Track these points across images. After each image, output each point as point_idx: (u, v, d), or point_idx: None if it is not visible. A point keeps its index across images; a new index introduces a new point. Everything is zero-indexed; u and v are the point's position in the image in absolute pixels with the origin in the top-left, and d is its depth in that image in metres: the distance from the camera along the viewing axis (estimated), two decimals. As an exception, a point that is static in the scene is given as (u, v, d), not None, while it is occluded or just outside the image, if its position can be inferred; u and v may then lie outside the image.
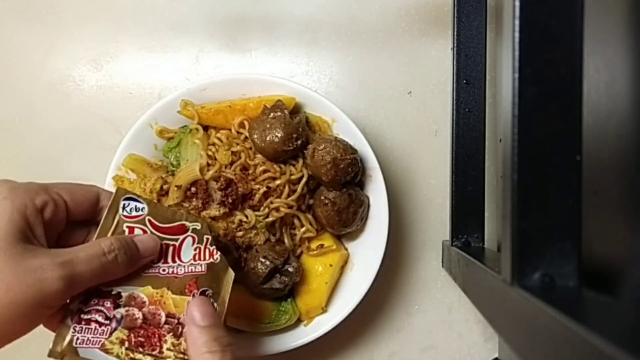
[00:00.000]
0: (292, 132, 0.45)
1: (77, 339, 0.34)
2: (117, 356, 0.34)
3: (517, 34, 0.23)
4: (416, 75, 0.55)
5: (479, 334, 0.54)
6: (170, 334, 0.35)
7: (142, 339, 0.35)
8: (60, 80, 0.55)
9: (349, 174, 0.45)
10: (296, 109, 0.48)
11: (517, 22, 0.23)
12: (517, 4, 0.23)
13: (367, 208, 0.48)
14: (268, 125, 0.45)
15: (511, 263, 0.24)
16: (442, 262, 0.53)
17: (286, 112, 0.45)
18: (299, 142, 0.45)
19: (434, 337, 0.54)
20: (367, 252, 0.48)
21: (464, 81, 0.47)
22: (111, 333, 0.35)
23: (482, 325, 0.54)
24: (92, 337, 0.34)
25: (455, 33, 0.48)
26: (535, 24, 0.23)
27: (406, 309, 0.54)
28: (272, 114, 0.45)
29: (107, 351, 0.34)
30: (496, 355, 0.52)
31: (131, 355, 0.34)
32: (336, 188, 0.46)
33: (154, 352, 0.35)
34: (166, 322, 0.36)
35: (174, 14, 0.55)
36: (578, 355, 0.18)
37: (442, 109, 0.54)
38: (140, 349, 0.35)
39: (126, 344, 0.35)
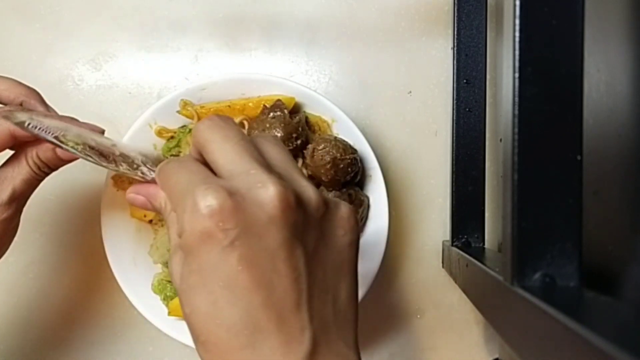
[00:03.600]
0: (292, 131, 0.44)
1: (29, 124, 0.34)
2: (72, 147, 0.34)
3: (517, 34, 0.23)
4: (416, 75, 0.55)
5: (480, 334, 0.54)
6: (125, 164, 0.35)
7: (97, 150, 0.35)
8: (59, 80, 0.55)
9: (348, 174, 0.45)
10: (296, 109, 0.48)
11: (517, 21, 0.23)
12: (517, 3, 0.23)
13: (367, 208, 0.48)
14: (267, 125, 0.45)
15: (511, 263, 0.24)
16: (443, 263, 0.53)
17: (286, 111, 0.45)
18: (299, 141, 0.45)
19: (434, 337, 0.54)
20: (367, 252, 0.48)
21: (464, 81, 0.47)
22: (63, 134, 0.35)
23: (482, 325, 0.54)
24: (44, 128, 0.35)
25: (455, 32, 0.48)
26: (535, 23, 0.23)
27: (406, 309, 0.54)
28: (271, 114, 0.45)
29: (60, 141, 0.34)
30: (496, 356, 0.52)
31: (87, 152, 0.34)
32: (336, 188, 0.46)
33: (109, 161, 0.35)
34: (120, 155, 0.35)
35: (173, 14, 0.55)
36: (578, 355, 0.18)
37: (442, 108, 0.54)
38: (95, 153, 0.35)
39: (79, 146, 0.35)
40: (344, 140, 0.46)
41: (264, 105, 0.46)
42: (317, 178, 0.46)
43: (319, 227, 0.27)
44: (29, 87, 0.38)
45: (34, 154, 0.36)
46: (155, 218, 0.47)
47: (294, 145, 0.45)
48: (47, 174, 0.38)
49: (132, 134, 0.47)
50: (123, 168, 0.35)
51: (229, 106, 0.47)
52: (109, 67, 0.55)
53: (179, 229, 0.26)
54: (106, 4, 0.55)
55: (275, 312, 0.25)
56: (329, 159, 0.44)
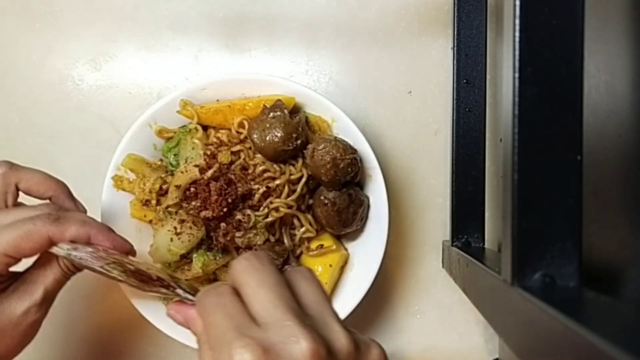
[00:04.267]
0: (292, 131, 0.44)
1: (75, 255, 0.36)
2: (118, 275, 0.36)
3: (517, 34, 0.23)
4: (416, 75, 0.55)
5: (480, 334, 0.54)
6: (162, 288, 0.37)
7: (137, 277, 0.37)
8: (59, 80, 0.55)
9: (348, 174, 0.45)
10: (296, 109, 0.48)
11: (517, 21, 0.23)
12: (517, 3, 0.23)
13: (367, 208, 0.48)
14: (268, 125, 0.45)
15: (511, 263, 0.24)
16: (442, 263, 0.53)
17: (286, 111, 0.45)
18: (299, 142, 0.45)
19: (434, 337, 0.54)
20: (367, 252, 0.48)
21: (464, 81, 0.47)
22: (107, 264, 0.36)
23: (482, 325, 0.54)
24: (89, 259, 0.36)
25: (455, 32, 0.48)
26: (535, 23, 0.23)
27: (406, 309, 0.54)
28: (271, 114, 0.45)
29: (106, 270, 0.36)
30: (496, 356, 0.52)
31: (129, 278, 0.36)
32: (336, 188, 0.46)
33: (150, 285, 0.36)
34: (157, 279, 0.37)
35: (173, 14, 0.55)
36: (578, 356, 0.18)
37: (442, 108, 0.54)
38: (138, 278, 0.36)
39: (123, 274, 0.36)
40: (344, 140, 0.46)
41: (264, 105, 0.46)
42: (317, 178, 0.46)
43: None
44: (58, 182, 0.40)
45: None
46: (155, 218, 0.47)
47: (294, 145, 0.45)
48: (74, 274, 0.39)
49: (132, 134, 0.47)
50: (163, 291, 0.37)
51: (229, 106, 0.47)
52: (109, 67, 0.55)
53: None
54: (106, 4, 0.55)
55: None
56: (329, 159, 0.44)
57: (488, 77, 0.48)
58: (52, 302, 0.38)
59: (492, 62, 0.51)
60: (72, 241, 0.36)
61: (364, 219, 0.48)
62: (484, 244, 0.47)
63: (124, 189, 0.47)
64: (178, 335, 0.46)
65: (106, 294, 0.53)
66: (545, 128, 0.23)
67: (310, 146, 0.45)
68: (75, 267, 0.38)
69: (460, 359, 0.54)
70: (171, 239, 0.45)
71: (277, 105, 0.45)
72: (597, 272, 0.31)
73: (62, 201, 0.39)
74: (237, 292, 0.30)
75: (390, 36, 0.55)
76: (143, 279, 0.37)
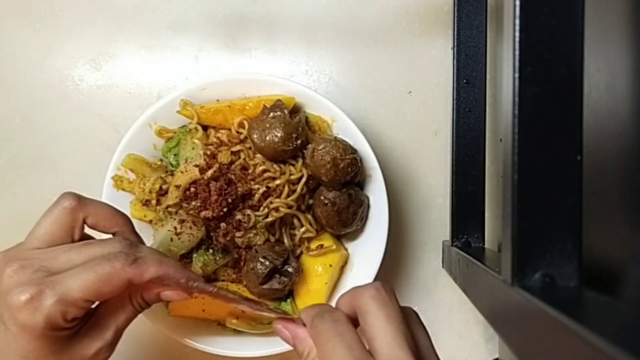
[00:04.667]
0: (292, 131, 0.44)
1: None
2: None
3: (517, 34, 0.23)
4: (416, 75, 0.55)
5: (479, 334, 0.54)
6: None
7: None
8: (59, 80, 0.55)
9: (348, 174, 0.45)
10: (296, 109, 0.48)
11: (517, 21, 0.23)
12: (517, 3, 0.23)
13: (367, 208, 0.48)
14: (268, 125, 0.45)
15: (511, 263, 0.24)
16: (442, 263, 0.53)
17: (286, 111, 0.45)
18: (299, 142, 0.45)
19: (434, 337, 0.53)
20: (367, 252, 0.48)
21: (464, 81, 0.47)
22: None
23: (482, 325, 0.54)
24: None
25: (455, 32, 0.48)
26: (535, 23, 0.23)
27: (406, 309, 0.54)
28: (271, 114, 0.45)
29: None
30: (496, 356, 0.52)
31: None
32: (336, 188, 0.46)
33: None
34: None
35: (173, 14, 0.55)
36: (578, 356, 0.18)
37: (442, 108, 0.54)
38: None
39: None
40: (344, 140, 0.46)
41: (264, 105, 0.46)
42: (317, 178, 0.46)
43: None
44: (124, 216, 0.39)
45: (138, 296, 0.37)
46: (155, 218, 0.47)
47: (294, 145, 0.45)
48: (144, 310, 0.38)
49: (132, 134, 0.47)
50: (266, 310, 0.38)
51: (229, 106, 0.47)
52: (109, 67, 0.55)
53: None
54: (106, 4, 0.55)
55: None
56: (329, 159, 0.44)
57: (488, 77, 0.48)
58: (118, 341, 0.37)
59: (492, 62, 0.51)
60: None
61: (364, 219, 0.48)
62: (484, 244, 0.47)
63: (124, 189, 0.47)
64: (178, 335, 0.46)
65: (106, 294, 0.53)
66: (545, 128, 0.23)
67: (310, 146, 0.45)
68: (146, 303, 0.38)
69: (460, 359, 0.54)
70: (171, 239, 0.45)
71: (277, 105, 0.45)
72: (597, 272, 0.31)
73: (127, 237, 0.38)
74: (350, 320, 0.31)
75: (390, 36, 0.55)
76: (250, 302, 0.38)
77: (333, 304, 0.48)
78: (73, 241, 0.36)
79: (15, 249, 0.35)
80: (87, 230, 0.38)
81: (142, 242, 0.40)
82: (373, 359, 0.27)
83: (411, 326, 0.31)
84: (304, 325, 0.33)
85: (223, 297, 0.37)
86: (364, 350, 0.28)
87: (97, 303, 0.36)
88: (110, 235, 0.38)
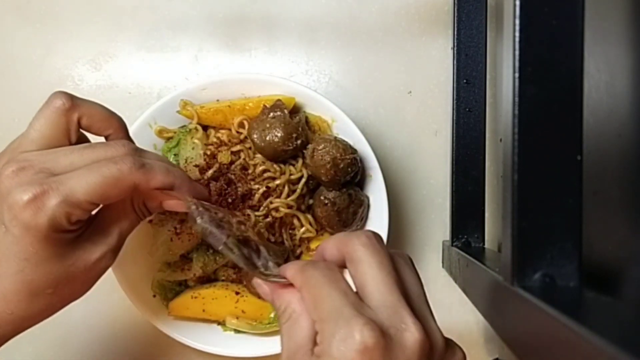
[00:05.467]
0: (292, 131, 0.44)
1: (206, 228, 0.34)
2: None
3: (517, 34, 0.23)
4: (416, 75, 0.55)
5: (480, 334, 0.54)
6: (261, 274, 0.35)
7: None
8: (59, 80, 0.55)
9: (348, 174, 0.45)
10: (296, 109, 0.48)
11: (517, 21, 0.23)
12: (517, 3, 0.23)
13: (367, 208, 0.48)
14: (268, 125, 0.45)
15: (511, 263, 0.24)
16: (442, 263, 0.53)
17: (286, 111, 0.45)
18: (299, 141, 0.45)
19: (433, 337, 0.54)
20: (367, 252, 0.48)
21: (464, 81, 0.47)
22: (227, 237, 0.35)
23: (482, 325, 0.54)
24: (217, 234, 0.34)
25: (455, 32, 0.48)
26: (535, 23, 0.23)
27: (406, 309, 0.54)
28: (271, 114, 0.45)
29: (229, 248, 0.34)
30: (496, 356, 0.52)
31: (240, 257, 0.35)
32: (336, 188, 0.46)
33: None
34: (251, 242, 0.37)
35: (173, 14, 0.55)
36: (578, 356, 0.18)
37: (442, 108, 0.54)
38: None
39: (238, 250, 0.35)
40: (344, 140, 0.46)
41: (264, 105, 0.46)
42: (317, 178, 0.46)
43: None
44: (119, 119, 0.37)
45: (141, 201, 0.36)
46: (155, 218, 0.47)
47: (294, 145, 0.45)
48: (144, 219, 0.37)
49: (132, 134, 0.47)
50: (259, 271, 0.35)
51: (229, 106, 0.47)
52: (109, 67, 0.55)
53: (320, 350, 0.27)
54: (106, 4, 0.55)
55: None
56: (329, 159, 0.44)
57: (488, 77, 0.48)
58: (121, 247, 0.36)
59: (492, 62, 0.51)
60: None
61: (364, 219, 0.48)
62: (484, 244, 0.47)
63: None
64: (178, 335, 0.46)
65: (106, 294, 0.53)
66: (545, 128, 0.23)
67: (310, 146, 0.45)
68: (149, 212, 0.36)
69: (460, 359, 0.54)
70: (171, 239, 0.45)
71: (277, 105, 0.45)
72: (597, 272, 0.31)
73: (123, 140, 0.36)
74: (339, 265, 0.30)
75: (390, 36, 0.55)
76: (247, 257, 0.35)
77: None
78: (70, 144, 0.34)
79: (9, 153, 0.33)
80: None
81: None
82: (367, 306, 0.27)
83: (403, 273, 0.30)
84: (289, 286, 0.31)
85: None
86: (358, 298, 0.28)
87: (99, 208, 0.34)
88: (103, 139, 0.37)
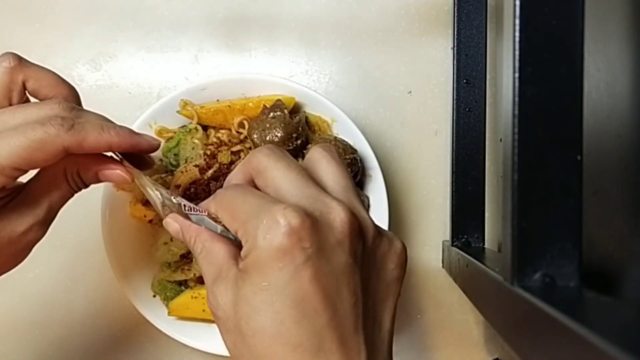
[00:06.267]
0: (292, 131, 0.44)
1: (184, 206, 0.32)
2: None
3: (517, 34, 0.23)
4: (416, 75, 0.55)
5: (479, 334, 0.54)
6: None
7: None
8: (60, 80, 0.55)
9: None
10: (296, 109, 0.48)
11: (517, 21, 0.23)
12: (517, 3, 0.23)
13: (367, 208, 0.48)
14: (268, 125, 0.45)
15: (511, 263, 0.24)
16: (442, 263, 0.53)
17: (286, 111, 0.45)
18: (299, 141, 0.45)
19: (433, 337, 0.54)
20: (367, 252, 0.48)
21: (464, 81, 0.47)
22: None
23: (482, 325, 0.54)
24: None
25: (455, 32, 0.48)
26: (535, 23, 0.23)
27: (406, 309, 0.54)
28: (271, 114, 0.45)
29: (215, 219, 0.31)
30: (496, 356, 0.52)
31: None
32: (336, 188, 0.46)
33: None
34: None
35: (173, 14, 0.55)
36: (578, 356, 0.18)
37: (442, 108, 0.54)
38: None
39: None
40: (344, 140, 0.46)
41: (264, 105, 0.46)
42: (317, 178, 0.46)
43: (373, 257, 0.28)
44: (69, 86, 0.34)
45: (74, 171, 0.33)
46: (155, 218, 0.47)
47: (294, 145, 0.45)
48: (80, 190, 0.35)
49: (132, 134, 0.47)
50: (177, 206, 0.32)
51: (229, 106, 0.47)
52: (109, 67, 0.55)
53: (247, 249, 0.26)
54: (106, 4, 0.55)
55: (337, 333, 0.25)
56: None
57: (488, 77, 0.48)
58: (52, 220, 0.34)
59: (492, 62, 0.51)
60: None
61: (364, 219, 0.48)
62: (484, 244, 0.47)
63: (124, 189, 0.47)
64: (178, 335, 0.46)
65: (106, 294, 0.53)
66: (545, 128, 0.23)
67: (310, 146, 0.45)
68: (84, 183, 0.34)
69: (460, 359, 0.54)
70: (171, 239, 0.45)
71: (277, 105, 0.45)
72: (597, 272, 0.31)
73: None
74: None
75: (390, 36, 0.55)
76: (169, 199, 0.33)
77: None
78: (10, 105, 0.32)
79: None
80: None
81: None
82: (280, 203, 0.26)
83: (318, 169, 0.29)
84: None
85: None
86: (276, 198, 0.27)
87: (25, 174, 0.31)
88: None
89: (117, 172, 0.33)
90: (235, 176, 0.31)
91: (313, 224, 0.25)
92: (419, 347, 0.54)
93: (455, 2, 0.47)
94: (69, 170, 0.33)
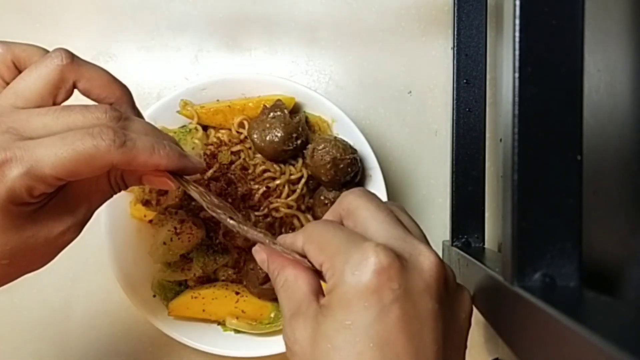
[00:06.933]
0: (292, 131, 0.44)
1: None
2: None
3: (517, 34, 0.23)
4: (416, 75, 0.55)
5: (479, 334, 0.54)
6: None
7: None
8: (60, 80, 0.55)
9: (348, 174, 0.45)
10: (296, 109, 0.48)
11: (517, 21, 0.23)
12: (517, 3, 0.23)
13: (367, 208, 0.48)
14: (268, 125, 0.45)
15: (511, 263, 0.24)
16: (442, 262, 0.53)
17: (286, 111, 0.45)
18: (299, 141, 0.45)
19: (433, 337, 0.54)
20: (367, 252, 0.48)
21: (464, 81, 0.47)
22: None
23: (482, 325, 0.54)
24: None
25: (455, 32, 0.48)
26: (535, 23, 0.23)
27: (406, 309, 0.54)
28: (271, 114, 0.45)
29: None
30: (496, 356, 0.52)
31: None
32: (336, 188, 0.46)
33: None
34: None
35: (173, 14, 0.55)
36: (578, 356, 0.18)
37: (442, 109, 0.54)
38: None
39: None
40: (344, 140, 0.46)
41: (264, 105, 0.46)
42: (317, 178, 0.46)
43: (450, 304, 0.28)
44: (123, 87, 0.33)
45: (118, 174, 0.32)
46: (155, 218, 0.47)
47: (294, 145, 0.45)
48: (119, 192, 0.33)
49: (132, 134, 0.47)
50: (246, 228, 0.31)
51: (229, 106, 0.47)
52: (109, 67, 0.55)
53: (332, 284, 0.25)
54: (106, 4, 0.55)
55: None
56: (329, 159, 0.44)
57: (488, 77, 0.48)
58: (89, 221, 0.32)
59: (492, 62, 0.51)
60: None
61: (364, 219, 0.48)
62: (484, 244, 0.47)
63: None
64: (178, 335, 0.46)
65: (106, 294, 0.53)
66: (545, 128, 0.23)
67: (310, 146, 0.45)
68: (125, 185, 0.33)
69: (460, 359, 0.54)
70: (171, 239, 0.45)
71: (277, 105, 0.45)
72: (597, 272, 0.31)
73: (124, 110, 0.32)
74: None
75: (390, 36, 0.55)
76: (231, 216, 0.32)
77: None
78: (55, 104, 0.30)
79: None
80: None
81: (140, 116, 0.35)
82: (370, 241, 0.26)
83: (400, 216, 0.30)
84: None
85: (213, 210, 0.32)
86: (356, 233, 0.27)
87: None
88: None
89: (163, 179, 0.32)
90: (326, 216, 0.31)
91: (403, 265, 0.25)
92: (419, 347, 0.54)
93: (455, 2, 0.47)
94: (112, 173, 0.32)
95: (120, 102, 0.33)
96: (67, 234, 0.31)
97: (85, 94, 0.32)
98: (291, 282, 0.28)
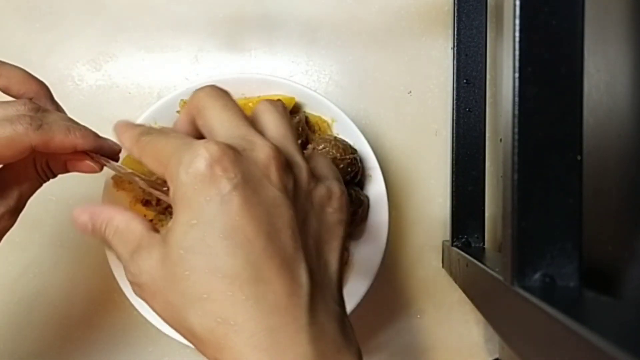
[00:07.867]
0: (292, 132, 0.44)
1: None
2: None
3: (517, 34, 0.23)
4: (416, 75, 0.55)
5: (479, 334, 0.54)
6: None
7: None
8: (60, 80, 0.55)
9: (348, 174, 0.45)
10: (296, 109, 0.48)
11: (517, 21, 0.23)
12: (517, 3, 0.23)
13: (367, 208, 0.48)
14: (268, 125, 0.45)
15: (511, 263, 0.24)
16: (442, 263, 0.53)
17: (286, 111, 0.45)
18: (299, 142, 0.45)
19: (433, 338, 0.54)
20: (367, 252, 0.48)
21: (464, 81, 0.47)
22: None
23: (482, 325, 0.54)
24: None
25: (455, 32, 0.48)
26: (535, 23, 0.23)
27: (406, 309, 0.54)
28: (271, 114, 0.45)
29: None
30: (496, 356, 0.52)
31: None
32: (336, 188, 0.46)
33: None
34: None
35: (173, 14, 0.55)
36: (578, 356, 0.18)
37: (442, 108, 0.54)
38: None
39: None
40: (344, 140, 0.46)
41: (264, 105, 0.46)
42: (317, 178, 0.46)
43: (309, 199, 0.28)
44: (39, 82, 0.36)
45: (43, 161, 0.34)
46: (155, 218, 0.47)
47: (294, 145, 0.45)
48: (49, 179, 0.36)
49: (132, 134, 0.47)
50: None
51: (229, 106, 0.47)
52: (109, 67, 0.55)
53: (173, 190, 0.25)
54: (106, 4, 0.55)
55: (275, 262, 0.24)
56: (329, 158, 0.44)
57: (488, 77, 0.48)
58: (22, 209, 0.35)
59: (492, 62, 0.51)
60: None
61: (364, 219, 0.48)
62: (484, 244, 0.47)
63: (124, 189, 0.47)
64: (178, 335, 0.46)
65: (106, 294, 0.53)
66: (545, 128, 0.23)
67: (310, 146, 0.45)
68: (52, 173, 0.35)
69: (460, 359, 0.54)
70: (171, 239, 0.45)
71: (277, 105, 0.45)
72: (597, 272, 0.31)
73: (43, 104, 0.35)
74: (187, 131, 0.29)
75: (390, 36, 0.55)
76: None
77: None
78: None
79: None
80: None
81: (60, 109, 0.37)
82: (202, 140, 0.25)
83: (262, 117, 0.29)
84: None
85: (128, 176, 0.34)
86: (188, 137, 0.27)
87: None
88: None
89: (85, 162, 0.34)
90: (180, 118, 0.30)
91: (235, 155, 0.25)
92: (419, 347, 0.54)
93: (455, 2, 0.47)
94: (38, 161, 0.34)
95: (38, 96, 0.35)
96: (1, 221, 0.33)
97: (4, 91, 0.34)
98: (123, 227, 0.28)
